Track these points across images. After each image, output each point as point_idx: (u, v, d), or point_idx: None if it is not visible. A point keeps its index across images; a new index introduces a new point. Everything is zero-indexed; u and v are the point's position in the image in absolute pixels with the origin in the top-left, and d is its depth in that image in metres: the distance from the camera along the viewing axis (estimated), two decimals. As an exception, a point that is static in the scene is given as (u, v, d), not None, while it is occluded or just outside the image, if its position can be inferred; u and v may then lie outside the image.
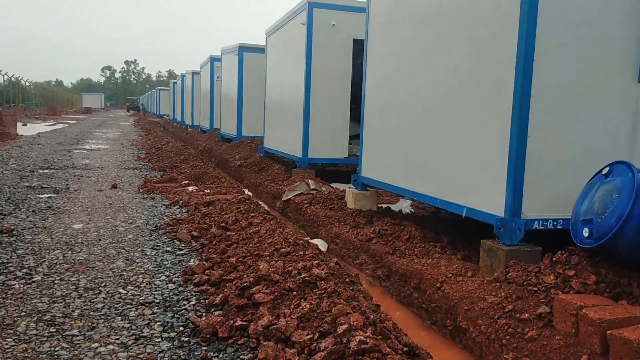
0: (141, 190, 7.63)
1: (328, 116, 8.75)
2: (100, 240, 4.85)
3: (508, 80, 3.71)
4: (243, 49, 13.99)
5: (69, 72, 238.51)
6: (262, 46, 14.07)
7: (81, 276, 3.78)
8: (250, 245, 4.25)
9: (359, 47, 8.94)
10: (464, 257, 4.41)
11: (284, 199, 7.62)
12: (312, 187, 7.76)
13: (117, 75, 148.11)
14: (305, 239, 5.17)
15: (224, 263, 3.89)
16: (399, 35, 5.48)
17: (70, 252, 4.41)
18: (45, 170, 9.62)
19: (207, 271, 3.80)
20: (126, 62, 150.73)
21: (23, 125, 25.57)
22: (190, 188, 7.69)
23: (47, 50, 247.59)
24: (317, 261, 3.52)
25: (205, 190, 7.32)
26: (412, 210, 6.82)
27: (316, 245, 4.70)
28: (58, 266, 4.00)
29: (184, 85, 28.63)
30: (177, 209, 6.43)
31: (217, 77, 18.80)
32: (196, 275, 3.70)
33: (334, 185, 8.40)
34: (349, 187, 6.62)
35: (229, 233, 4.75)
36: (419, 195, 5.01)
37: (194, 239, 4.95)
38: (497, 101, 3.85)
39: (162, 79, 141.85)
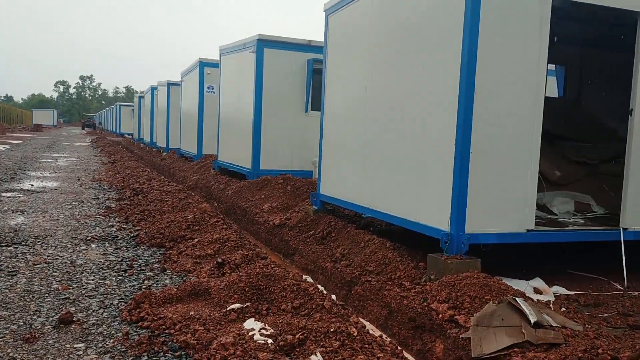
0: (131, 341, 3.06)
1: (503, 152, 4.44)
2: None
3: None
4: (263, 43, 9.51)
5: (20, 87, 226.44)
6: (292, 40, 9.69)
7: None
8: None
9: (559, 15, 4.70)
10: None
11: (478, 354, 3.19)
12: (533, 319, 3.38)
13: (72, 90, 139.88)
14: None
15: None
16: None
17: None
18: None
19: None
20: (81, 77, 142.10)
21: (-52, 148, 20.18)
22: (250, 328, 3.16)
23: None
24: None
25: (310, 351, 2.78)
26: None
27: None
28: None
29: (154, 100, 23.74)
30: None
31: (209, 88, 14.25)
32: None
33: (507, 281, 4.04)
34: None
35: None
36: None
37: None
38: None
39: (119, 94, 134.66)
